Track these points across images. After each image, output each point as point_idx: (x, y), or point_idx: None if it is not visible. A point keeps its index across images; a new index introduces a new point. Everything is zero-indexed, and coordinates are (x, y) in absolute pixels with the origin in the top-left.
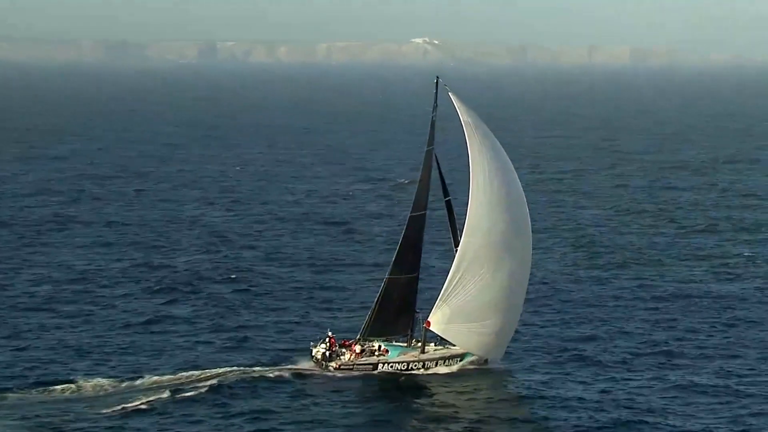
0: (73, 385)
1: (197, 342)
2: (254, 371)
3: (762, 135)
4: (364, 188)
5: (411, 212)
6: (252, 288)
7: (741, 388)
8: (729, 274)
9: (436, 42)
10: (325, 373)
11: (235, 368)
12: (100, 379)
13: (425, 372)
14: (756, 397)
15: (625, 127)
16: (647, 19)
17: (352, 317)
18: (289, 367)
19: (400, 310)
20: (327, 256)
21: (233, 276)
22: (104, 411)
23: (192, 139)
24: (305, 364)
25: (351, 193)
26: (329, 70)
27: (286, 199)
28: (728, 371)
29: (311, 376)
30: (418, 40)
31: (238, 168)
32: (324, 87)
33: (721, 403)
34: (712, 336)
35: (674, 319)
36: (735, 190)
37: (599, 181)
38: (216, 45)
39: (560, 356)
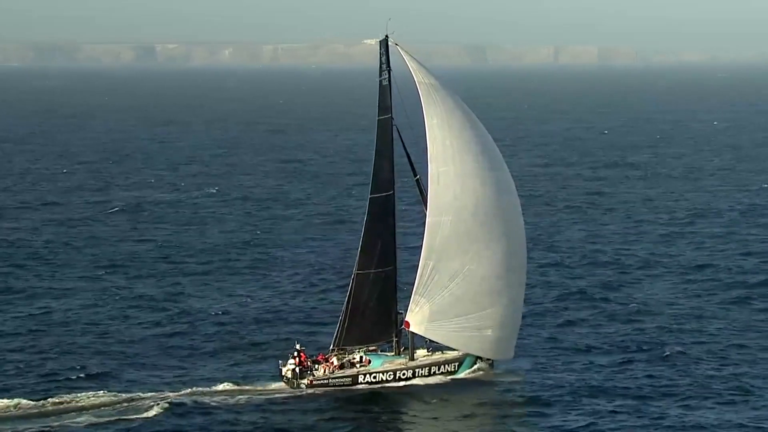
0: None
1: (144, 360)
2: (211, 395)
3: None
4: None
5: (371, 194)
6: (206, 302)
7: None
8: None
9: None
10: (295, 392)
11: (190, 389)
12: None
13: (416, 382)
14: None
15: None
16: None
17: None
18: (254, 388)
19: (378, 312)
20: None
21: (181, 289)
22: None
23: None
24: (274, 385)
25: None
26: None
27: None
28: (735, 374)
29: (277, 397)
30: (371, 41)
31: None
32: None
33: (727, 403)
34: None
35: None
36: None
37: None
38: (155, 47)
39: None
